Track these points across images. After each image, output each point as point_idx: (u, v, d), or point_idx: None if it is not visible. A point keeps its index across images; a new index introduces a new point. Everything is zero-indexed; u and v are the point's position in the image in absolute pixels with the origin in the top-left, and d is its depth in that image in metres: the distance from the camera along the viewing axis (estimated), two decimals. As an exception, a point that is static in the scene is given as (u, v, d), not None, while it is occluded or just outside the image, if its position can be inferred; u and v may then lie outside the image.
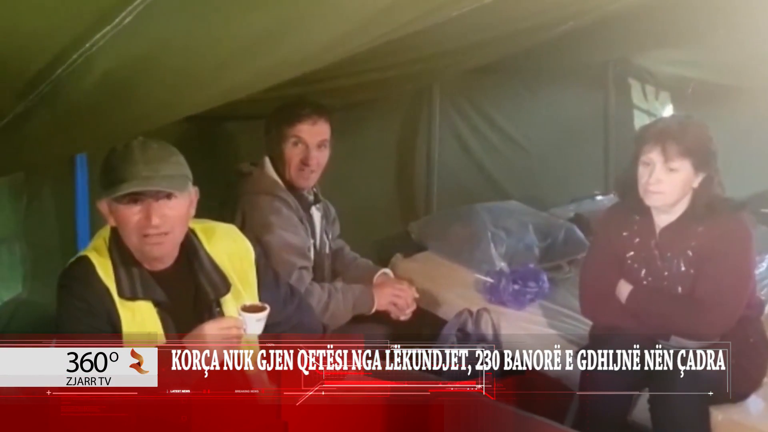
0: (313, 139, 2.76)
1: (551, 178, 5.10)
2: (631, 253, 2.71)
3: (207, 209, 2.24)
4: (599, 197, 5.18)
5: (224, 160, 3.10)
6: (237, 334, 1.93)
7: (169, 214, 1.92)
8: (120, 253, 1.96)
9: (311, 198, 2.88)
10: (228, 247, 2.13)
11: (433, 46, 2.77)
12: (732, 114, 4.91)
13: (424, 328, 3.15)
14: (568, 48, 3.82)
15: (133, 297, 1.93)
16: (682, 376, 2.43)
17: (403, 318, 2.90)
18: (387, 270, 3.11)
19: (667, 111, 5.62)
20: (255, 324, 1.98)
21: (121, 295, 1.92)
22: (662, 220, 2.66)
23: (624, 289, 2.69)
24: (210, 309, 2.04)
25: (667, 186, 2.56)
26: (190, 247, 2.04)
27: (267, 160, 2.79)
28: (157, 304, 1.97)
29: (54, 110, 1.80)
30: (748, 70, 4.72)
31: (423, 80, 4.06)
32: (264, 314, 1.98)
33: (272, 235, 2.65)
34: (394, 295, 2.89)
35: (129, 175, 1.86)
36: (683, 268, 2.62)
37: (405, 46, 2.31)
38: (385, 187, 4.28)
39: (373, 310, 2.85)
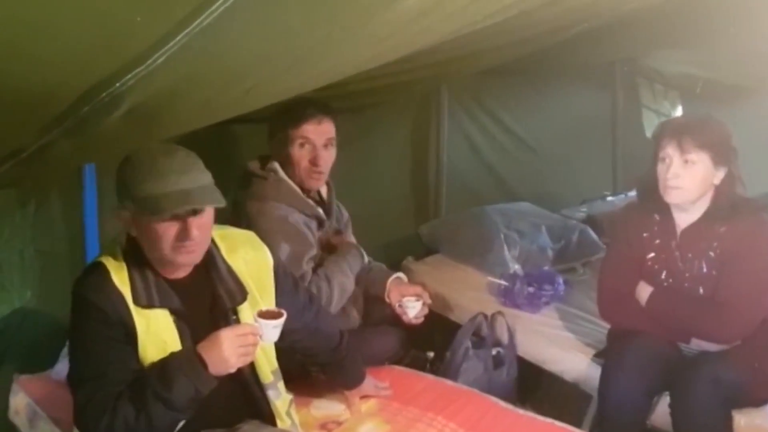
0: (319, 138, 2.71)
1: (560, 178, 5.10)
2: (652, 254, 2.67)
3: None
4: (609, 198, 5.16)
5: (230, 162, 3.07)
6: (253, 342, 1.90)
7: (204, 224, 1.88)
8: (137, 261, 1.92)
9: (317, 198, 2.84)
10: (246, 254, 2.10)
11: (445, 52, 2.75)
12: (740, 113, 4.88)
13: (438, 331, 3.12)
14: (575, 48, 3.80)
15: (149, 305, 1.89)
16: (703, 380, 2.41)
17: (415, 321, 2.85)
18: (400, 274, 3.06)
19: (676, 110, 5.60)
20: (271, 331, 1.94)
21: (137, 303, 1.88)
22: (683, 220, 2.62)
23: (644, 291, 2.64)
24: (226, 317, 2.01)
25: (685, 180, 2.51)
26: (207, 254, 2.00)
27: (276, 165, 2.75)
28: (173, 312, 1.93)
29: (75, 140, 1.79)
30: (757, 70, 4.69)
31: (433, 83, 4.04)
32: (281, 321, 1.94)
33: (275, 243, 2.56)
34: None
35: (165, 190, 1.79)
36: (705, 270, 2.58)
37: (416, 53, 2.30)
38: (394, 188, 4.27)
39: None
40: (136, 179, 1.81)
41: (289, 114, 2.69)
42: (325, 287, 2.63)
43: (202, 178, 1.86)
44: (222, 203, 1.87)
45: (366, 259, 2.91)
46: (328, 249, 2.84)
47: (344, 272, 2.72)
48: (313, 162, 2.71)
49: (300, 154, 2.70)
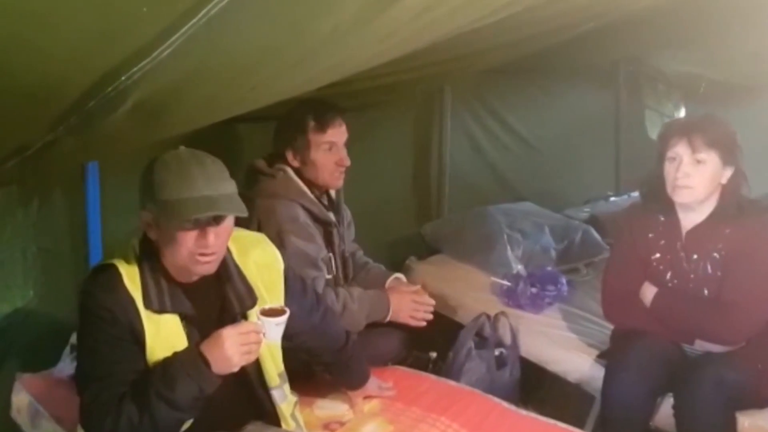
0: (342, 139, 2.75)
1: (563, 178, 5.09)
2: (657, 255, 2.66)
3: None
4: (613, 198, 5.15)
5: (234, 161, 3.06)
6: (256, 340, 1.88)
7: (221, 233, 1.88)
8: (151, 265, 1.91)
9: (326, 202, 2.83)
10: (257, 258, 2.09)
11: (448, 52, 2.75)
12: (744, 113, 4.87)
13: (440, 332, 3.10)
14: (578, 48, 3.80)
15: (161, 310, 1.88)
16: (707, 381, 2.40)
17: (416, 324, 2.86)
18: (399, 275, 3.06)
19: (679, 111, 5.59)
20: (274, 328, 1.92)
21: (148, 307, 1.87)
22: (689, 221, 2.61)
23: (648, 291, 2.64)
24: (234, 322, 1.98)
25: (696, 180, 2.50)
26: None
27: (286, 167, 2.74)
28: (183, 317, 1.92)
29: (80, 137, 1.78)
30: (761, 69, 4.68)
31: (436, 82, 4.04)
32: (284, 318, 1.93)
33: (287, 243, 2.59)
34: (413, 310, 2.82)
35: (190, 195, 1.80)
36: (710, 271, 2.57)
37: (419, 51, 2.30)
38: (397, 188, 4.26)
39: (388, 319, 2.79)
40: (162, 182, 1.81)
41: (313, 120, 2.71)
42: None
43: (228, 186, 1.87)
44: (245, 213, 1.87)
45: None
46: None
47: (361, 314, 2.72)
48: (340, 163, 2.74)
49: (327, 158, 2.73)
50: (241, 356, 1.85)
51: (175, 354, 1.87)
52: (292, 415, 2.17)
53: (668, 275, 2.64)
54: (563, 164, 5.06)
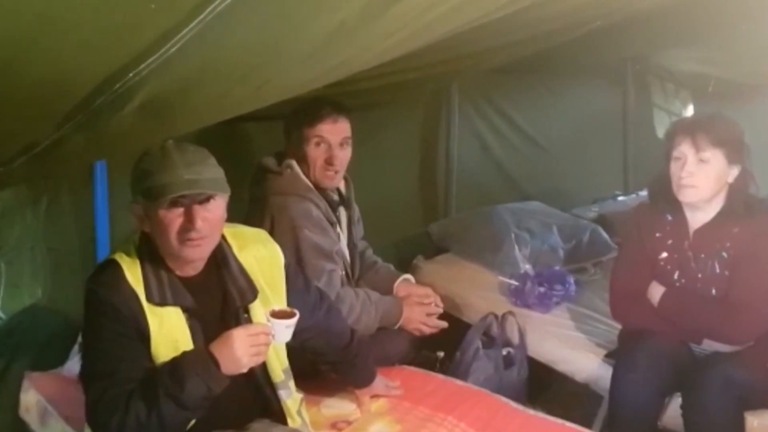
0: (335, 138, 2.72)
1: (571, 177, 5.08)
2: (664, 254, 2.66)
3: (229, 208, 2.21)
4: (621, 197, 5.14)
5: (242, 160, 3.07)
6: (265, 341, 1.89)
7: (209, 217, 1.88)
8: (151, 258, 1.93)
9: (336, 198, 2.84)
10: (257, 253, 2.10)
11: (455, 50, 2.74)
12: (752, 112, 4.85)
13: (448, 331, 3.11)
14: (586, 46, 3.78)
15: (162, 303, 1.89)
16: (715, 381, 2.39)
17: (428, 331, 2.89)
18: (408, 276, 3.07)
19: (687, 109, 5.58)
20: (284, 330, 1.93)
21: (150, 300, 1.88)
22: (696, 220, 2.61)
23: (656, 291, 2.63)
24: (237, 316, 2.01)
25: (700, 179, 2.50)
26: (219, 252, 2.01)
27: (293, 162, 2.75)
28: (185, 310, 1.93)
29: (88, 135, 1.79)
30: (768, 68, 4.67)
31: (443, 81, 4.03)
32: (293, 321, 1.94)
33: (301, 237, 2.61)
34: (422, 323, 2.86)
35: (171, 179, 1.83)
36: (717, 270, 2.56)
37: (427, 49, 2.30)
38: (404, 187, 4.27)
39: (397, 327, 2.84)
40: (145, 172, 1.85)
41: (305, 113, 2.71)
42: (349, 304, 2.66)
43: (210, 171, 1.89)
44: (226, 191, 1.89)
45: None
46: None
47: (376, 317, 2.75)
48: (329, 161, 2.72)
49: (316, 153, 2.72)
50: (250, 357, 1.86)
51: (185, 353, 1.88)
52: (298, 412, 2.17)
53: (676, 275, 2.64)
54: (571, 163, 5.06)
